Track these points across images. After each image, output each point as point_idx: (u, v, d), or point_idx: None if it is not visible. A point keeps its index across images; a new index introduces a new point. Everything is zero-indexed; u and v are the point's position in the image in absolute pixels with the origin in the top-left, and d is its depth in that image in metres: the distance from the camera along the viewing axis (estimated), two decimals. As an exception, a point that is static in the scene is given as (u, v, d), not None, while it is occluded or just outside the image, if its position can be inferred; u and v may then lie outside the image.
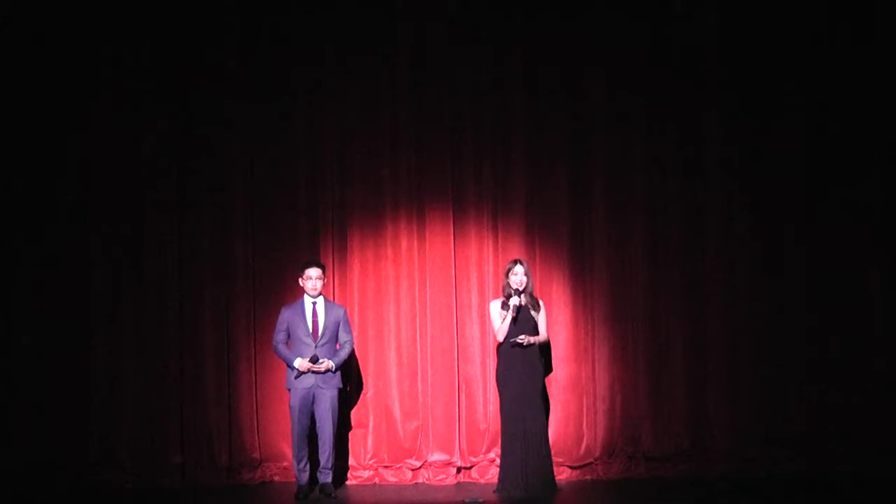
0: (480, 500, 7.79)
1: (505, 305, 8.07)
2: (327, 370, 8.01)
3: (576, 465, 8.64)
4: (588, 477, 8.62)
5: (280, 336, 8.13)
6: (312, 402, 8.06)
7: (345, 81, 8.82)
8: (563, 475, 8.50)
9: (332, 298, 8.60)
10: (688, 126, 8.79)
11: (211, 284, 8.72)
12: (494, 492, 8.07)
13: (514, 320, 8.09)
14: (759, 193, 8.74)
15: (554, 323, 8.59)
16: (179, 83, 8.74)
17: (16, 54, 8.64)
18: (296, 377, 8.02)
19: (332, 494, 8.07)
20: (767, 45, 8.75)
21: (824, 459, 8.55)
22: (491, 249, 8.80)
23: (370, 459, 8.69)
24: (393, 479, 8.65)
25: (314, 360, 7.97)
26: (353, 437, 8.73)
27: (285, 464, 8.63)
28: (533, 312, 8.17)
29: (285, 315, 8.16)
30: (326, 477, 8.13)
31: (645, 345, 8.71)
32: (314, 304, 8.16)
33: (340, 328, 8.17)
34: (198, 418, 8.63)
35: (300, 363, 7.98)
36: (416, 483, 8.63)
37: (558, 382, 8.68)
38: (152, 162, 8.73)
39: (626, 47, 8.77)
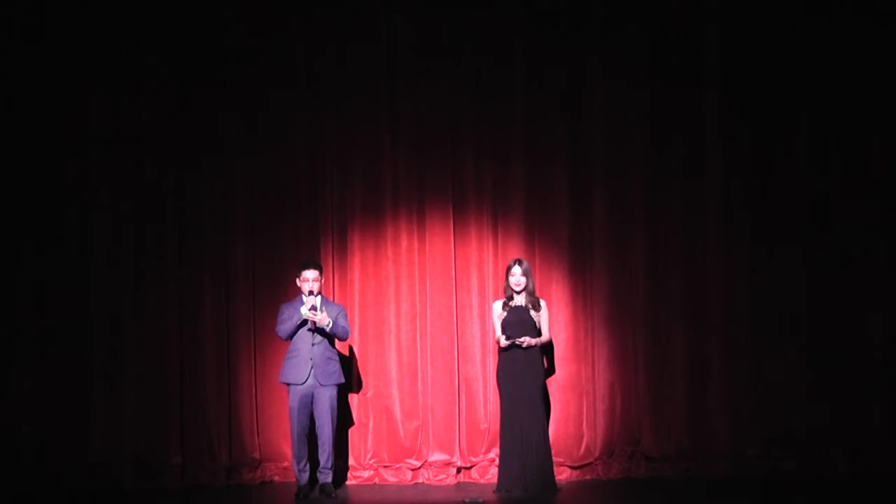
0: (480, 500, 7.79)
1: (510, 338, 8.06)
2: (325, 324, 7.95)
3: (576, 465, 8.64)
4: (588, 477, 8.62)
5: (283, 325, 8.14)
6: (311, 402, 8.06)
7: (345, 81, 8.82)
8: (562, 475, 8.50)
9: (332, 298, 8.60)
10: (688, 126, 8.78)
11: (211, 284, 8.72)
12: (494, 492, 8.08)
13: (512, 322, 8.11)
14: (760, 194, 8.73)
15: (554, 323, 8.58)
16: (179, 82, 8.73)
17: (15, 52, 8.65)
18: (296, 327, 8.02)
19: (332, 494, 8.07)
20: (768, 46, 8.74)
21: (824, 459, 8.56)
22: (491, 249, 8.80)
23: (370, 459, 8.69)
24: (393, 479, 8.66)
25: (314, 308, 7.96)
26: (353, 437, 8.73)
27: (285, 464, 8.63)
28: (533, 312, 8.17)
29: (284, 310, 8.16)
30: (326, 477, 8.13)
31: (645, 345, 8.71)
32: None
33: (338, 322, 8.15)
34: (198, 418, 8.63)
35: (305, 310, 7.95)
36: (416, 483, 8.63)
37: (558, 382, 8.68)
38: (152, 161, 8.72)
39: (627, 47, 8.77)
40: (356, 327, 8.68)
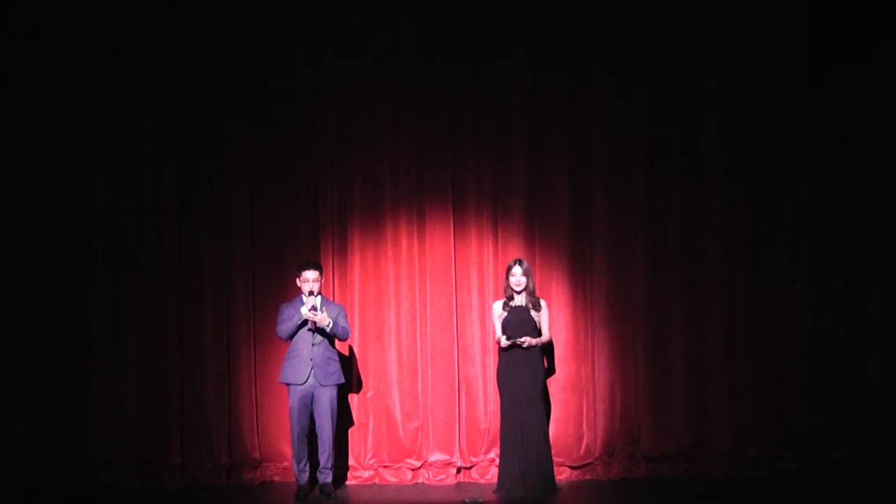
0: (480, 500, 7.79)
1: (510, 338, 8.07)
2: (325, 324, 7.96)
3: (576, 465, 8.64)
4: (588, 477, 8.62)
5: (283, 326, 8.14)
6: (311, 402, 8.06)
7: (345, 81, 8.82)
8: (563, 475, 8.50)
9: (332, 299, 8.60)
10: (688, 127, 8.78)
11: (211, 284, 8.72)
12: (494, 492, 8.08)
13: (513, 322, 8.11)
14: (760, 194, 8.73)
15: (554, 323, 8.58)
16: (180, 83, 8.73)
17: (17, 53, 8.64)
18: (297, 327, 8.02)
19: (332, 494, 8.07)
20: (768, 47, 8.74)
21: (824, 459, 8.55)
22: (491, 249, 8.79)
23: (370, 459, 8.69)
24: (393, 479, 8.66)
25: (315, 309, 7.96)
26: (353, 437, 8.73)
27: (285, 464, 8.63)
28: (533, 312, 8.17)
29: (284, 310, 8.16)
30: (326, 477, 8.13)
31: (645, 345, 8.70)
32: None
33: (338, 322, 8.15)
34: (198, 418, 8.63)
35: (305, 310, 7.95)
36: (416, 483, 8.63)
37: (558, 382, 8.68)
38: (153, 162, 8.72)
39: (627, 48, 8.77)
40: (356, 327, 8.68)
